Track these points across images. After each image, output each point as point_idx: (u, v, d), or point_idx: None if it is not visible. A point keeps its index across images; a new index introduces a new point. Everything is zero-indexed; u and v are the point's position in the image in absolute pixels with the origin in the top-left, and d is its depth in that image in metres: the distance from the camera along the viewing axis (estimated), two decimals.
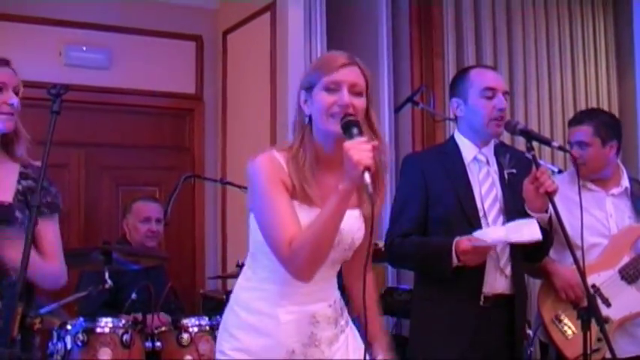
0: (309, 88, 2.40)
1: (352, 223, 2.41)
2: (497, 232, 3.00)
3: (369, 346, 2.51)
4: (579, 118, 3.75)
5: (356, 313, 2.62)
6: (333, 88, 2.34)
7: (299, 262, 2.27)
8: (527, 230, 2.94)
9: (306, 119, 2.41)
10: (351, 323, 2.61)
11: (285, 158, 2.39)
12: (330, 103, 2.33)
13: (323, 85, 2.35)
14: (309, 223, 2.28)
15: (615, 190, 3.72)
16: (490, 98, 3.17)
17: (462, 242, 2.95)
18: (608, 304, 3.53)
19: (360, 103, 2.35)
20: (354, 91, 2.35)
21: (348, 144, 2.17)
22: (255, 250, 2.47)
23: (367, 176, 2.11)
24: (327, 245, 2.27)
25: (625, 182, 3.73)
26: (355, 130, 2.22)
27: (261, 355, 2.40)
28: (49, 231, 2.72)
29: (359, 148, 2.14)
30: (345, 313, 2.58)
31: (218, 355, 2.49)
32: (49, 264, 2.70)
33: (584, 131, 3.66)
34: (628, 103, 6.35)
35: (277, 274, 2.37)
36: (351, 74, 2.37)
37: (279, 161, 2.38)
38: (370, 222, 2.34)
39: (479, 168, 3.22)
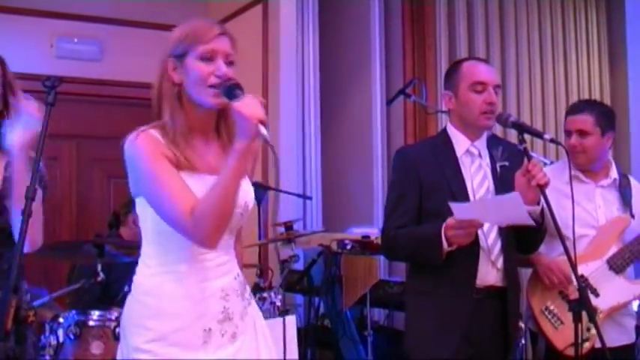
0: (180, 56, 2.36)
1: (244, 187, 2.39)
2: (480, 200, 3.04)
3: None
4: (580, 107, 3.73)
5: None
6: (208, 58, 2.34)
7: (205, 228, 2.23)
8: (508, 197, 2.97)
9: (176, 88, 2.37)
10: (251, 295, 2.57)
11: (159, 132, 2.35)
12: (207, 73, 2.32)
13: (198, 54, 2.34)
14: (206, 189, 2.25)
15: (604, 182, 3.73)
16: (480, 92, 3.17)
17: (448, 220, 2.96)
18: (596, 295, 3.54)
19: (232, 73, 2.36)
20: (227, 60, 2.37)
21: (237, 103, 2.19)
22: (152, 234, 2.42)
23: (263, 129, 2.15)
24: (231, 207, 2.26)
25: (614, 174, 3.75)
26: (239, 92, 2.25)
27: (180, 339, 2.32)
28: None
29: (249, 104, 2.18)
30: (247, 286, 2.54)
31: (133, 354, 2.36)
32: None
33: (585, 120, 3.65)
34: (620, 95, 6.37)
35: (180, 253, 2.35)
36: (225, 44, 2.39)
37: (155, 137, 2.34)
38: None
39: (471, 161, 3.23)
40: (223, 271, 2.41)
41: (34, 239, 2.75)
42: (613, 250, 3.63)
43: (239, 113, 2.17)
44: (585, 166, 3.69)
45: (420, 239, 3.07)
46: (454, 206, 2.87)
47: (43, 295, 3.94)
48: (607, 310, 3.53)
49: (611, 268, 3.62)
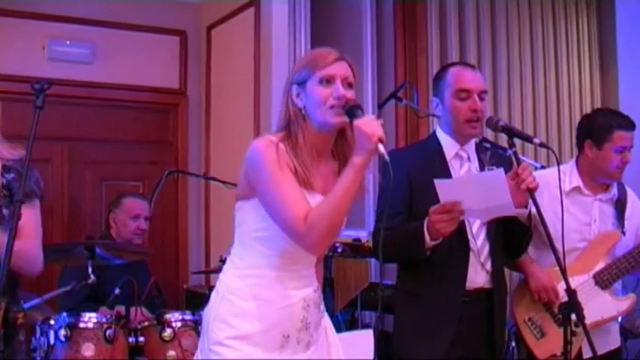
0: (301, 82, 2.50)
1: None
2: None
3: None
4: (631, 122, 3.69)
5: None
6: (327, 81, 2.46)
7: (316, 235, 2.35)
8: (492, 173, 2.98)
9: (301, 112, 2.50)
10: (324, 308, 2.71)
11: (286, 145, 2.48)
12: (326, 96, 2.45)
13: (317, 79, 2.47)
14: (320, 202, 2.40)
15: (603, 196, 3.72)
16: (465, 99, 3.18)
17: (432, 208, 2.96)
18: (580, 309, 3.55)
19: (351, 94, 2.48)
20: (346, 82, 2.49)
21: (358, 121, 2.35)
22: (246, 237, 2.55)
23: (381, 147, 2.31)
24: (342, 218, 2.40)
25: (614, 189, 3.74)
26: (360, 112, 2.39)
27: (260, 340, 2.46)
28: (25, 214, 2.66)
29: (370, 123, 2.33)
30: (322, 299, 2.68)
31: (214, 347, 2.49)
32: (25, 242, 2.63)
33: (632, 136, 3.67)
34: (610, 101, 6.39)
35: (271, 259, 2.50)
36: (342, 68, 2.51)
37: (282, 148, 2.46)
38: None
39: (460, 164, 3.24)
40: (306, 283, 2.58)
41: (33, 258, 2.74)
42: (600, 265, 3.64)
43: (360, 130, 2.33)
44: (606, 180, 3.69)
45: (405, 236, 3.09)
46: (438, 182, 2.88)
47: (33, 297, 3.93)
48: (590, 325, 3.49)
49: (597, 283, 3.63)
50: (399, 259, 3.32)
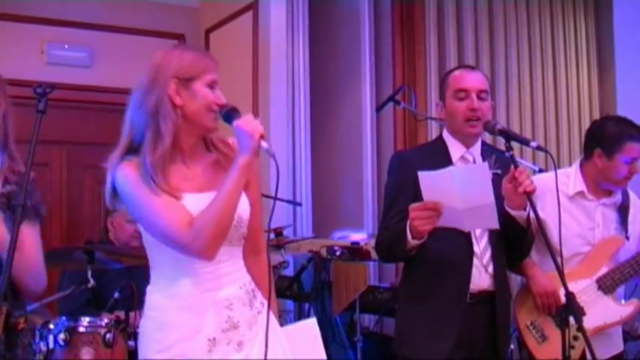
0: (187, 79, 2.44)
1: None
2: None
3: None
4: None
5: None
6: (212, 87, 2.47)
7: (203, 240, 2.32)
8: (476, 166, 2.99)
9: (178, 110, 2.43)
10: (266, 306, 2.58)
11: (135, 162, 2.43)
12: (213, 99, 2.44)
13: (208, 81, 2.45)
14: (200, 205, 2.35)
15: (607, 200, 3.70)
16: (463, 99, 3.20)
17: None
18: (582, 313, 3.54)
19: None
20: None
21: (237, 121, 2.35)
22: (151, 251, 2.51)
23: (264, 143, 2.31)
24: (229, 219, 2.36)
25: (618, 194, 3.72)
26: (238, 114, 2.40)
27: (185, 349, 2.40)
28: (31, 233, 2.67)
29: (249, 122, 2.33)
30: (259, 295, 2.58)
31: None
32: (27, 258, 2.64)
33: None
34: (608, 102, 6.41)
35: (178, 267, 2.43)
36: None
37: (135, 165, 2.43)
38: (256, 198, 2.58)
39: None
40: (226, 281, 2.48)
41: (36, 273, 2.74)
42: (604, 270, 3.63)
43: (241, 130, 2.32)
44: (610, 187, 3.69)
45: (393, 235, 3.10)
46: (422, 175, 2.87)
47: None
48: (592, 330, 3.48)
49: (600, 288, 3.62)
50: (390, 257, 3.34)
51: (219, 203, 2.33)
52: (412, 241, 3.00)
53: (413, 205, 2.93)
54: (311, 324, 2.71)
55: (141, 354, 2.51)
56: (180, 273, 2.43)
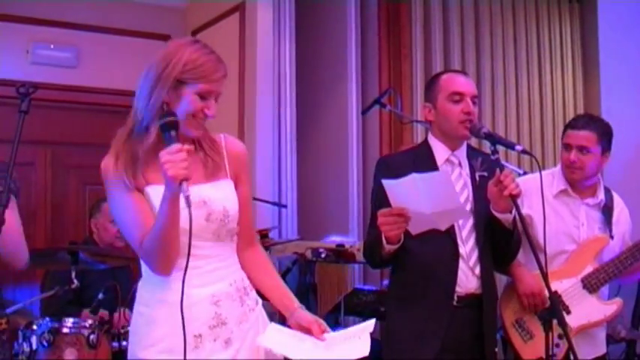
0: (179, 81, 2.41)
1: (222, 194, 2.49)
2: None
3: (286, 320, 2.58)
4: (584, 122, 3.70)
5: (254, 285, 2.64)
6: (204, 97, 2.41)
7: (152, 261, 2.39)
8: (437, 174, 3.02)
9: (164, 106, 2.41)
10: (260, 304, 2.62)
11: (113, 156, 2.46)
12: (199, 108, 2.41)
13: (199, 90, 2.40)
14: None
15: (591, 200, 3.73)
16: (458, 102, 3.22)
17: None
18: (568, 312, 3.56)
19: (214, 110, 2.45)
20: (217, 99, 2.46)
21: (162, 154, 2.22)
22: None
23: (185, 186, 2.19)
24: (171, 244, 2.34)
25: (601, 194, 3.75)
26: (173, 133, 2.28)
27: (171, 345, 2.39)
28: (11, 208, 2.65)
29: (172, 160, 2.20)
30: (253, 293, 2.59)
31: None
32: (7, 234, 2.62)
33: (588, 137, 3.63)
34: (593, 106, 6.43)
35: None
36: (221, 86, 2.47)
37: (111, 163, 2.44)
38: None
39: (451, 169, 3.26)
40: (215, 277, 2.48)
41: (18, 255, 2.75)
42: (588, 269, 3.65)
43: (163, 168, 2.21)
44: (577, 182, 3.71)
45: (372, 240, 3.12)
46: (386, 183, 2.87)
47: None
48: (577, 328, 3.55)
49: (585, 287, 3.64)
50: (374, 262, 3.35)
51: (155, 231, 2.31)
52: (387, 246, 3.01)
53: (380, 211, 2.94)
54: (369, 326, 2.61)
55: (130, 350, 2.52)
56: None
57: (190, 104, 2.40)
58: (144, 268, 2.51)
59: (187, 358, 2.32)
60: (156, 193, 2.36)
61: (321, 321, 2.54)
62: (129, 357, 2.53)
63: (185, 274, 2.27)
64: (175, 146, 2.22)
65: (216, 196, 2.46)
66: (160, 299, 2.43)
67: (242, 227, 2.57)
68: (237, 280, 2.54)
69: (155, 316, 2.44)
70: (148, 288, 2.49)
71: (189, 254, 2.28)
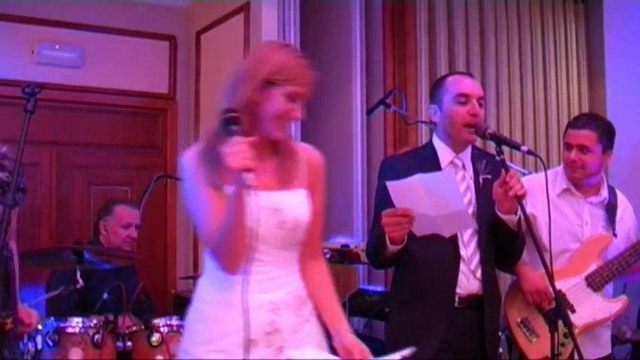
0: (268, 82, 2.43)
1: (295, 203, 2.51)
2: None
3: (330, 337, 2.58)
4: (584, 121, 3.70)
5: (310, 298, 2.63)
6: (292, 99, 2.45)
7: (218, 259, 2.40)
8: (441, 173, 3.02)
9: (254, 106, 2.44)
10: (315, 315, 2.63)
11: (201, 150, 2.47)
12: (286, 110, 2.45)
13: (287, 91, 2.43)
14: (257, 204, 2.35)
15: (594, 199, 3.74)
16: (463, 104, 3.21)
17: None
18: (573, 310, 3.56)
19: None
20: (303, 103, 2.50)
21: (223, 147, 2.26)
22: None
23: (248, 177, 2.20)
24: (238, 242, 2.35)
25: (604, 192, 3.75)
26: (234, 127, 2.32)
27: (223, 346, 2.42)
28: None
29: (234, 152, 2.23)
30: (309, 304, 2.60)
31: (181, 354, 2.52)
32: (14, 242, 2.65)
33: (589, 136, 3.63)
34: (598, 107, 6.42)
35: None
36: (309, 92, 2.52)
37: (207, 154, 2.45)
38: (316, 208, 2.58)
39: (455, 172, 3.26)
40: (275, 285, 2.50)
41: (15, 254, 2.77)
42: (592, 267, 3.65)
43: (225, 160, 2.23)
44: (579, 181, 3.71)
45: (375, 240, 3.11)
46: (390, 184, 2.87)
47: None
48: (582, 327, 3.55)
49: (589, 285, 3.64)
50: (377, 262, 3.35)
51: (223, 228, 2.33)
52: (391, 247, 3.01)
53: (384, 212, 2.94)
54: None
55: (182, 344, 2.56)
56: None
57: (278, 105, 2.43)
58: (207, 265, 2.53)
59: None
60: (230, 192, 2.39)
61: (365, 347, 2.54)
62: (181, 349, 2.57)
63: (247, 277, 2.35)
64: (236, 138, 2.26)
65: (288, 205, 2.48)
66: (220, 299, 2.46)
67: (310, 238, 2.58)
68: (296, 289, 2.56)
69: (212, 315, 2.46)
70: (208, 286, 2.52)
71: (250, 257, 2.36)
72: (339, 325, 2.60)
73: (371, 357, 2.52)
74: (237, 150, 2.22)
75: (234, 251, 2.37)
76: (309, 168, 2.61)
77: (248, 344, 2.39)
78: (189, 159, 2.47)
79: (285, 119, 2.45)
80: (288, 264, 2.55)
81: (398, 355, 2.54)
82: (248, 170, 2.20)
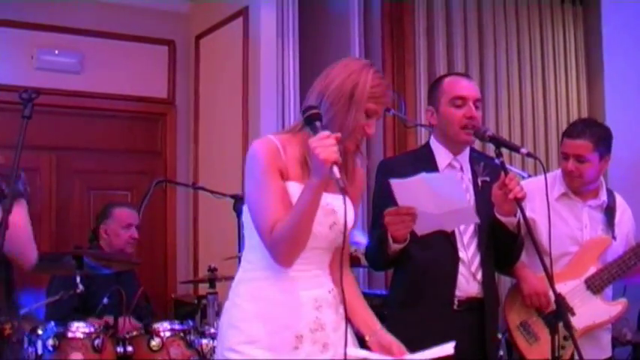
0: (353, 97, 2.48)
1: (348, 208, 2.48)
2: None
3: (365, 339, 2.61)
4: (579, 130, 3.66)
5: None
6: (369, 115, 2.50)
7: (278, 251, 2.39)
8: (446, 173, 3.03)
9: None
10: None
11: (282, 140, 2.49)
12: (362, 125, 2.49)
13: (367, 108, 2.49)
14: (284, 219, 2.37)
15: (593, 202, 3.73)
16: (460, 107, 3.20)
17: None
18: (572, 313, 3.54)
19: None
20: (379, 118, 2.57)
21: (312, 141, 2.27)
22: (252, 239, 2.52)
23: (336, 170, 2.22)
24: (304, 235, 2.38)
25: (603, 196, 3.75)
26: (318, 124, 2.34)
27: (270, 343, 2.43)
28: (21, 208, 2.67)
29: (323, 145, 2.24)
30: (342, 305, 2.60)
31: (227, 354, 2.48)
32: (15, 231, 2.64)
33: (585, 146, 3.61)
34: (597, 110, 6.42)
35: None
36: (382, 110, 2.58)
37: (275, 144, 2.47)
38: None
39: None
40: (318, 283, 2.54)
41: (24, 256, 2.77)
42: (592, 270, 3.65)
43: (313, 153, 2.25)
44: (578, 189, 3.71)
45: (377, 240, 3.11)
46: (394, 182, 2.85)
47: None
48: (582, 330, 3.54)
49: (588, 288, 3.64)
50: (377, 263, 3.34)
51: (292, 220, 2.34)
52: (393, 245, 3.00)
53: (387, 210, 2.93)
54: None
55: (223, 341, 2.53)
56: (280, 267, 2.45)
57: (355, 120, 2.46)
58: (250, 263, 2.54)
59: (287, 358, 2.39)
60: (294, 189, 2.42)
61: (401, 344, 2.57)
62: (218, 348, 2.57)
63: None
64: (324, 132, 2.28)
65: (342, 208, 2.46)
66: (266, 297, 2.47)
67: (345, 243, 2.57)
68: (332, 288, 2.58)
69: (257, 313, 2.46)
70: (257, 284, 2.51)
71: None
72: (374, 326, 2.65)
73: (408, 353, 2.55)
74: (327, 144, 2.24)
75: (297, 244, 2.39)
76: (355, 177, 2.67)
77: (297, 341, 2.44)
78: (260, 148, 2.47)
79: (360, 134, 2.50)
80: (325, 265, 2.58)
81: (435, 351, 2.55)
82: (335, 163, 2.23)
